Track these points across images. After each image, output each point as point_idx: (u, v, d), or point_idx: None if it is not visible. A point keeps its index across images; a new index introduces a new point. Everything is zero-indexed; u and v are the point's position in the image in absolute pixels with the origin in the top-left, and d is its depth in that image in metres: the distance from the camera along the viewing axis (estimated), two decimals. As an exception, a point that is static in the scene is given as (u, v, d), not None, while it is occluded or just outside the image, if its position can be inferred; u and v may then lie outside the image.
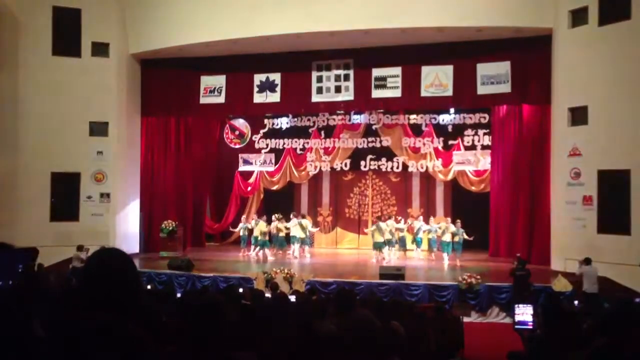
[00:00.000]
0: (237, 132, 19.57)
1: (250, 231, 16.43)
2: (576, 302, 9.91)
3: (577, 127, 13.24)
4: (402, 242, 16.52)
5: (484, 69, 14.57)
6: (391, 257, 15.57)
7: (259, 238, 15.99)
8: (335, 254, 17.09)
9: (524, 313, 8.16)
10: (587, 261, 11.08)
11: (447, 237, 15.04)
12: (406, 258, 16.19)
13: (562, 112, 13.54)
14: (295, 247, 16.03)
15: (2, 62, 15.04)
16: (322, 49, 15.51)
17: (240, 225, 16.90)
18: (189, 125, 18.57)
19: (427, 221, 16.51)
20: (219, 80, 16.45)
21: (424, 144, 17.85)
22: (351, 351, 2.88)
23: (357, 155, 18.49)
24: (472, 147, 17.45)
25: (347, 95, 15.72)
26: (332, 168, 18.78)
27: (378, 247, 15.43)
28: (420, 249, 16.41)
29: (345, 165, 18.61)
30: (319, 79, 15.86)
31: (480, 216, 16.58)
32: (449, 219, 15.90)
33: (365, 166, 18.41)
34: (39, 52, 15.38)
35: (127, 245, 15.84)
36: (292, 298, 7.82)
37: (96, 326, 1.60)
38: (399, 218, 17.23)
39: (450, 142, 17.71)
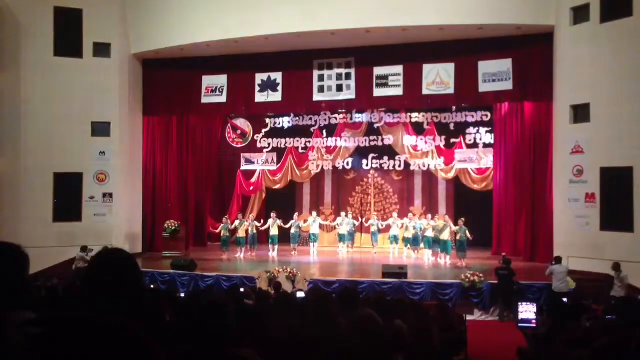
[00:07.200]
0: (239, 132, 19.58)
1: (232, 232, 16.41)
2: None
3: (579, 124, 13.22)
4: (374, 237, 16.92)
5: (485, 67, 14.55)
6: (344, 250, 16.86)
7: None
8: (338, 253, 17.06)
9: (527, 311, 8.17)
10: (557, 260, 11.41)
11: (445, 236, 14.96)
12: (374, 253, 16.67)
13: (565, 109, 13.52)
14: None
15: (4, 63, 15.07)
16: (324, 48, 15.51)
17: (222, 226, 16.61)
18: (191, 125, 18.59)
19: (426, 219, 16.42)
20: (221, 80, 16.47)
21: (425, 143, 17.84)
22: (355, 349, 2.88)
23: (359, 154, 18.50)
24: (474, 145, 17.44)
25: (349, 94, 15.71)
26: (334, 167, 18.79)
27: (340, 239, 16.79)
28: (409, 246, 16.30)
29: (347, 164, 18.63)
30: (321, 78, 15.86)
31: (483, 214, 16.57)
32: (447, 217, 15.85)
33: (367, 165, 18.42)
34: (40, 53, 15.41)
35: (130, 245, 15.90)
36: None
37: (98, 327, 1.60)
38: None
39: (453, 140, 17.69)
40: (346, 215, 17.30)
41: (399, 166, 18.22)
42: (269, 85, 16.09)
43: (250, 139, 19.49)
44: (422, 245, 15.92)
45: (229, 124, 19.56)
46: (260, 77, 16.14)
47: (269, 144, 19.31)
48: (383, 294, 6.49)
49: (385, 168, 18.36)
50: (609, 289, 10.85)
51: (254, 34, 14.62)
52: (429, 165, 17.86)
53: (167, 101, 16.97)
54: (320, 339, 2.65)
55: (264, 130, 19.33)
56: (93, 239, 14.38)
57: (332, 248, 17.81)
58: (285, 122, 18.99)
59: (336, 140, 18.62)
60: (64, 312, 1.64)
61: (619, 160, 12.33)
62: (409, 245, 16.19)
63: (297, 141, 18.98)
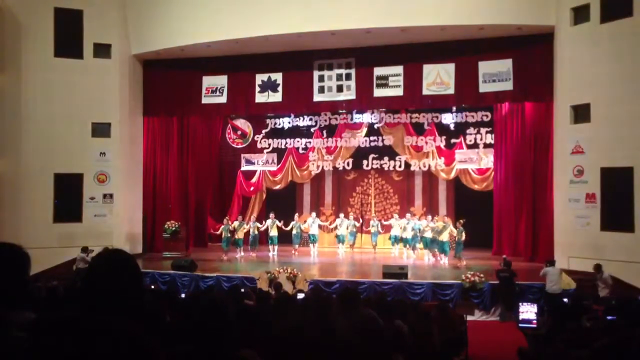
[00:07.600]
0: (239, 132, 19.58)
1: (233, 232, 16.39)
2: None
3: (579, 124, 13.21)
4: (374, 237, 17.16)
5: (485, 67, 14.54)
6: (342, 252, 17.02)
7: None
8: (338, 253, 17.06)
9: (528, 311, 8.17)
10: (551, 262, 11.52)
11: (444, 237, 14.94)
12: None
13: (565, 109, 13.51)
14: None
15: (5, 64, 15.07)
16: (324, 48, 15.51)
17: (222, 227, 16.55)
18: (191, 126, 18.60)
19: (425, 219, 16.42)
20: (221, 80, 16.47)
21: (426, 143, 17.83)
22: (356, 349, 2.88)
23: (359, 155, 18.50)
24: (475, 146, 17.41)
25: (349, 95, 15.71)
26: (334, 167, 18.78)
27: (338, 240, 16.95)
28: (408, 246, 16.31)
29: (348, 165, 18.62)
30: (321, 78, 15.85)
31: (483, 214, 16.55)
32: (447, 218, 15.80)
33: (367, 165, 18.41)
34: (41, 54, 15.41)
35: (130, 245, 15.89)
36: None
37: (99, 328, 1.60)
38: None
39: (453, 140, 17.68)
40: (345, 217, 17.29)
41: (399, 166, 18.21)
42: (269, 86, 16.09)
43: (250, 139, 19.47)
44: (419, 245, 15.94)
45: (229, 125, 19.55)
46: (260, 78, 16.14)
47: (269, 145, 19.31)
48: (383, 295, 6.49)
49: (386, 168, 18.35)
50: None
51: (254, 34, 14.61)
52: (429, 165, 17.85)
53: (167, 102, 16.97)
54: (321, 339, 2.65)
55: (264, 131, 19.33)
56: (93, 240, 14.38)
57: (332, 249, 17.81)
58: (285, 122, 18.98)
59: (336, 141, 18.62)
60: (65, 312, 1.64)
61: (619, 160, 12.33)
62: (407, 246, 16.21)
63: (298, 142, 18.98)
